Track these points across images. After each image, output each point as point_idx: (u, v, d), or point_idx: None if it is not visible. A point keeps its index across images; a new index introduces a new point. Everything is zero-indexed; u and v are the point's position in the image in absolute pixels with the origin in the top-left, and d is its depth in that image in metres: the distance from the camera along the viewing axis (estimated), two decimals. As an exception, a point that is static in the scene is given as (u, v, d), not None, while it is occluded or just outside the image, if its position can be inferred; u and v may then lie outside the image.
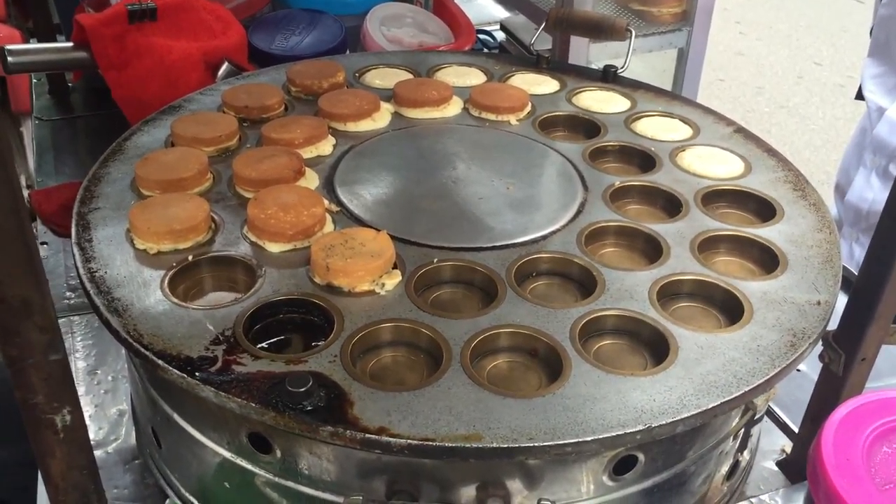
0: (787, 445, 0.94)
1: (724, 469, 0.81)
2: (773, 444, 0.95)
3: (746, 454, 0.85)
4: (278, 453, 0.70)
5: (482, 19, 1.90)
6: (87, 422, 0.92)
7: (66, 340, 1.07)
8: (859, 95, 1.66)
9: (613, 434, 0.64)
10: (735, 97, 4.51)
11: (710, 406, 0.67)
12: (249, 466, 0.73)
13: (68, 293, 1.17)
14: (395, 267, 0.80)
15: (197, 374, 0.67)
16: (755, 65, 4.85)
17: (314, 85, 1.09)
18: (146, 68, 1.21)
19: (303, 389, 0.64)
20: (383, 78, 1.16)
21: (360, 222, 0.87)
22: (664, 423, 0.65)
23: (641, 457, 0.70)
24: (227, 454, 0.74)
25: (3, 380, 1.18)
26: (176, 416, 0.77)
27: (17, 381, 0.51)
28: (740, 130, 1.08)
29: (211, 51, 1.23)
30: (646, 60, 1.44)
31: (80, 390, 1.00)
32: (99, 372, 1.04)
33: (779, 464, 0.93)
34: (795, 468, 0.91)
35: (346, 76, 1.14)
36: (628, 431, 0.64)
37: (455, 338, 0.72)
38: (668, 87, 1.46)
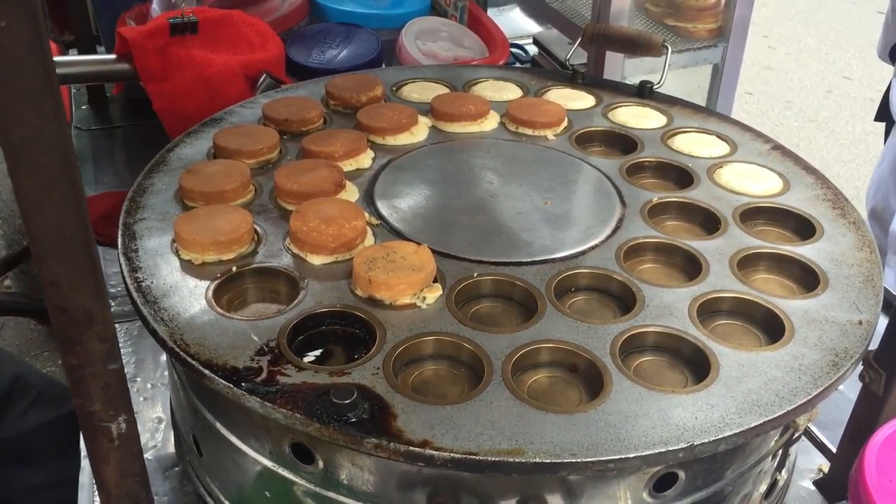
0: (825, 464, 0.93)
1: (763, 488, 0.81)
2: (810, 462, 0.94)
3: (784, 473, 0.85)
4: (320, 464, 0.71)
5: (514, 33, 1.91)
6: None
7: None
8: (880, 117, 1.64)
9: (656, 451, 0.64)
10: (763, 111, 4.49)
11: (753, 425, 0.67)
12: (291, 476, 0.73)
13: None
14: (435, 280, 0.80)
15: (243, 384, 0.68)
16: (784, 79, 4.83)
17: (353, 98, 1.11)
18: (187, 81, 1.23)
19: (347, 401, 0.65)
20: (420, 92, 1.17)
21: (399, 235, 0.88)
22: (706, 441, 0.65)
23: (682, 474, 0.70)
24: (269, 463, 0.74)
25: (44, 401, 1.21)
26: (218, 425, 0.78)
27: (76, 389, 0.52)
28: (778, 148, 1.07)
29: (250, 64, 1.25)
30: (679, 76, 1.44)
31: (120, 397, 1.02)
32: (139, 380, 1.06)
33: (816, 483, 0.92)
34: (833, 488, 0.90)
35: (384, 90, 1.16)
36: (670, 449, 0.65)
37: (496, 352, 0.73)
38: (701, 103, 1.46)
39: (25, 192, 0.45)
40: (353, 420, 0.65)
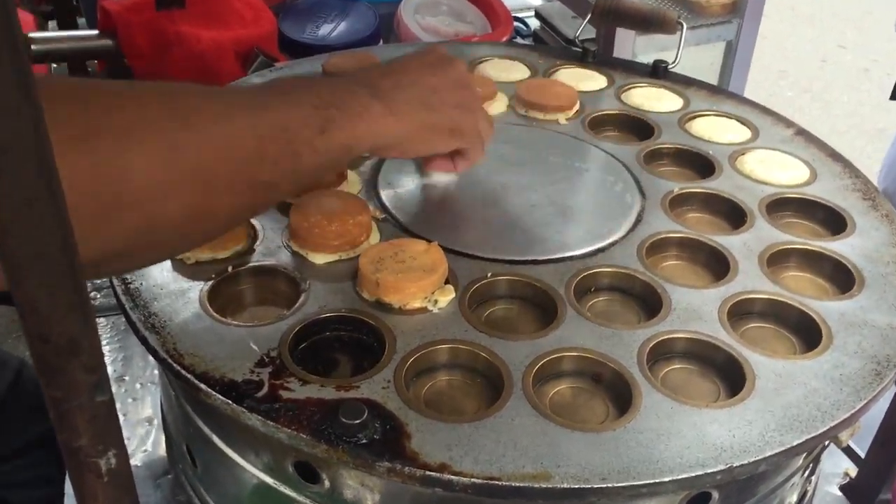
0: (851, 469, 0.89)
1: (794, 499, 0.77)
2: (835, 466, 0.90)
3: (813, 479, 0.81)
4: (327, 483, 0.66)
5: (515, 6, 1.83)
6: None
7: (93, 344, 1.03)
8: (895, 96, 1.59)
9: (692, 475, 0.59)
10: (757, 81, 4.42)
11: (795, 444, 0.62)
12: (294, 495, 0.68)
13: (93, 293, 1.13)
14: (447, 282, 0.75)
15: (243, 400, 0.63)
16: (778, 48, 4.77)
17: (352, 79, 1.04)
18: (174, 58, 1.16)
19: (357, 421, 0.60)
20: (423, 72, 1.11)
21: (406, 231, 0.82)
22: (746, 462, 0.61)
23: (716, 494, 0.65)
24: (270, 481, 0.69)
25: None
26: (215, 438, 0.73)
27: (60, 424, 0.46)
28: (801, 133, 1.02)
29: (242, 40, 1.18)
30: (690, 53, 1.38)
31: (108, 397, 0.96)
32: (126, 378, 1.00)
33: (842, 488, 0.88)
34: (860, 493, 0.86)
35: (385, 69, 1.09)
36: (708, 472, 0.60)
37: (515, 362, 0.68)
38: (713, 81, 1.40)
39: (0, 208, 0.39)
40: (364, 441, 0.60)
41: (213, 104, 0.57)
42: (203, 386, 0.64)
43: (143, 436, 0.93)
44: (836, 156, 0.97)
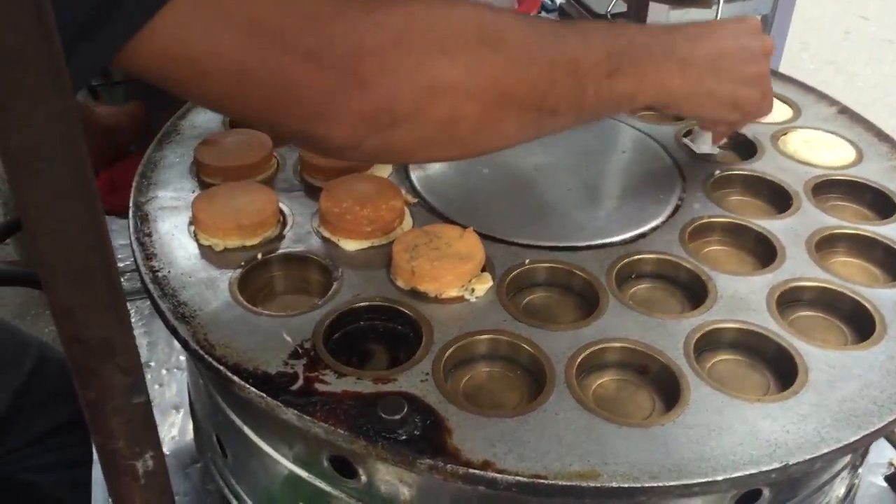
0: (896, 459, 0.87)
1: (842, 492, 0.74)
2: (880, 456, 0.88)
3: (860, 471, 0.78)
4: (363, 478, 0.64)
5: (539, -21, 1.79)
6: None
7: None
8: None
9: (746, 473, 0.57)
10: (778, 53, 4.35)
11: (852, 440, 0.60)
12: (329, 489, 0.66)
13: (116, 276, 1.11)
14: (483, 269, 0.72)
15: (278, 394, 0.61)
16: (800, 19, 4.66)
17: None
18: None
19: (397, 417, 0.58)
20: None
21: (439, 216, 0.80)
22: (802, 460, 0.58)
23: (767, 492, 0.63)
24: (305, 474, 0.67)
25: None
26: (246, 430, 0.71)
27: (96, 425, 0.44)
28: (845, 111, 0.98)
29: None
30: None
31: (134, 384, 0.94)
32: (152, 364, 0.99)
33: (887, 478, 0.86)
34: (906, 484, 0.84)
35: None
36: (762, 470, 0.57)
37: (557, 353, 0.65)
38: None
39: (30, 207, 0.37)
40: (404, 437, 0.58)
41: (514, 28, 0.63)
42: (236, 378, 0.62)
43: (171, 423, 0.91)
44: (882, 136, 0.94)
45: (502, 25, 0.63)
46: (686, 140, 0.92)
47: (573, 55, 0.65)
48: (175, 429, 0.91)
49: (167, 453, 0.87)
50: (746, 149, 0.92)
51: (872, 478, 0.86)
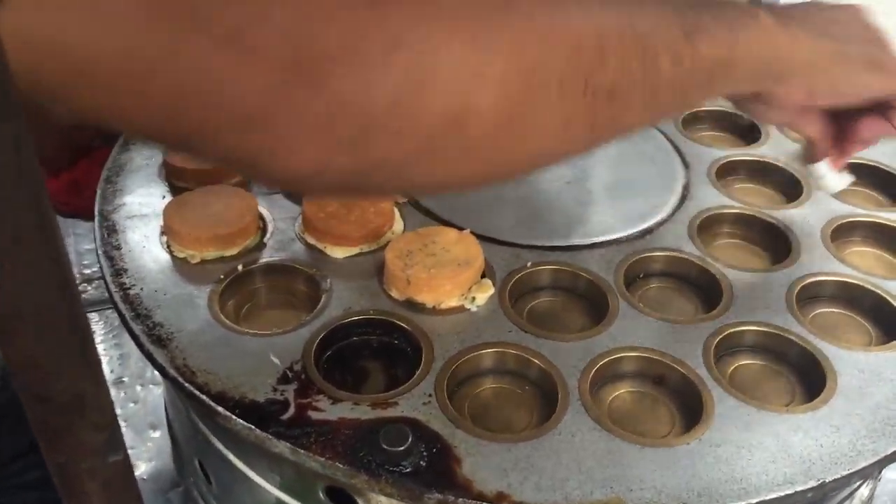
0: (913, 453, 0.83)
1: (866, 494, 0.71)
2: None
3: (884, 472, 0.75)
4: (364, 510, 0.59)
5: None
6: (118, 441, 0.81)
7: (86, 342, 0.95)
8: None
9: (781, 494, 0.53)
10: None
11: (891, 451, 0.56)
12: (326, 521, 0.61)
13: (83, 284, 1.04)
14: (483, 275, 0.67)
15: (268, 425, 0.55)
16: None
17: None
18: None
19: (401, 448, 0.53)
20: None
21: (431, 216, 0.74)
22: (839, 476, 0.54)
23: None
24: (298, 505, 0.62)
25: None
26: (232, 458, 0.65)
27: (68, 491, 0.39)
28: (848, 89, 0.94)
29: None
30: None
31: (107, 401, 0.88)
32: (125, 379, 0.93)
33: (904, 474, 0.82)
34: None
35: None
36: (798, 490, 0.53)
37: (568, 366, 0.60)
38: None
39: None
40: (409, 469, 0.53)
41: None
42: (221, 409, 0.56)
43: (148, 443, 0.86)
44: (889, 114, 0.89)
45: None
46: (810, 174, 0.71)
47: (628, 13, 0.46)
48: (154, 448, 0.85)
49: (145, 478, 0.82)
50: (749, 132, 0.87)
51: (889, 473, 0.82)
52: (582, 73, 0.43)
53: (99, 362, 0.38)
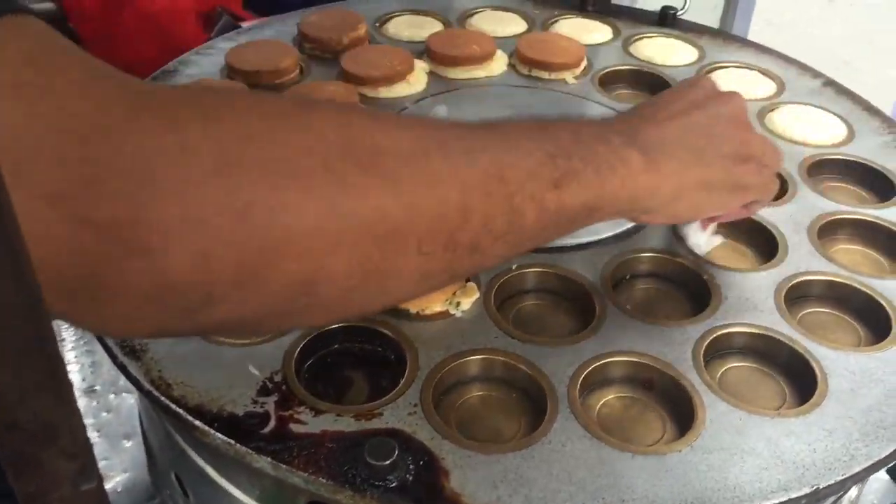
0: (898, 449, 0.83)
1: (855, 494, 0.70)
2: (881, 447, 0.84)
3: (869, 472, 0.74)
4: (348, 524, 0.57)
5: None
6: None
7: (57, 349, 0.92)
8: None
9: (776, 502, 0.52)
10: (745, 26, 4.34)
11: (884, 455, 0.55)
12: (309, 535, 0.60)
13: (53, 290, 1.01)
14: (468, 279, 0.66)
15: (248, 439, 0.53)
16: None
17: (333, 40, 0.92)
18: (126, 21, 1.03)
19: (387, 462, 0.51)
20: (410, 28, 0.99)
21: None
22: (833, 482, 0.53)
23: (790, 511, 0.58)
24: (281, 520, 0.60)
25: None
26: (210, 471, 0.63)
27: (37, 524, 0.36)
28: (830, 83, 0.93)
29: (202, -2, 1.05)
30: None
31: (79, 410, 0.85)
32: (98, 388, 0.90)
33: (889, 471, 0.82)
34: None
35: (368, 27, 0.97)
36: (792, 497, 0.52)
37: (556, 372, 0.59)
38: (714, 26, 1.31)
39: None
40: (395, 484, 0.51)
41: (401, 139, 0.43)
42: (199, 423, 0.54)
43: (123, 454, 0.83)
44: (872, 109, 0.89)
45: (382, 136, 0.42)
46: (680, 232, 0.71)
47: (496, 169, 0.45)
48: (129, 458, 0.83)
49: (119, 490, 0.79)
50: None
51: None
52: (444, 234, 0.43)
53: (70, 386, 0.36)
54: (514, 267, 0.67)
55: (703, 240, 0.69)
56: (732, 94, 0.61)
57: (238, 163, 0.36)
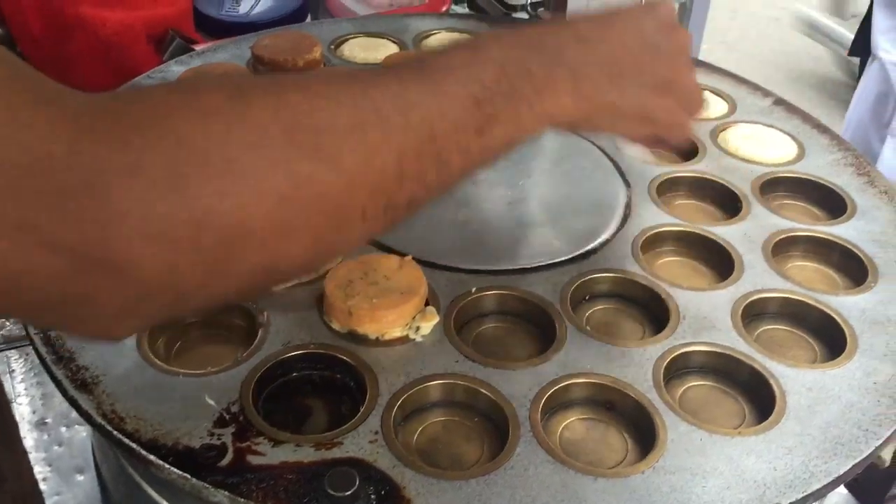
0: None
1: (815, 511, 0.71)
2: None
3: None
4: (310, 557, 0.56)
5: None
6: (42, 487, 0.76)
7: (5, 382, 0.90)
8: (854, 52, 1.55)
9: (738, 521, 0.52)
10: (696, 42, 4.40)
11: (842, 472, 0.55)
12: (270, 569, 0.58)
13: (0, 321, 0.98)
14: (427, 303, 0.65)
15: (204, 473, 0.52)
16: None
17: (288, 63, 0.92)
18: (77, 45, 1.01)
19: (348, 493, 0.50)
20: (365, 50, 0.99)
21: (371, 242, 0.72)
22: (794, 500, 0.53)
23: (754, 531, 0.58)
24: (240, 554, 0.59)
25: None
26: (166, 504, 0.62)
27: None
28: (780, 102, 0.95)
29: (153, 21, 1.04)
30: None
31: (29, 444, 0.83)
32: (48, 420, 0.87)
33: (849, 486, 0.83)
34: (869, 490, 0.81)
35: (323, 50, 0.97)
36: (754, 516, 0.52)
37: (518, 395, 0.59)
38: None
39: None
40: (357, 514, 0.50)
41: (339, 115, 0.44)
42: (153, 458, 0.53)
43: (76, 488, 0.81)
44: (821, 127, 0.91)
45: (320, 114, 0.43)
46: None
47: (426, 127, 0.47)
48: (80, 495, 0.80)
49: (73, 525, 0.77)
50: (688, 148, 0.87)
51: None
52: (383, 198, 0.46)
53: (16, 426, 0.35)
54: (473, 290, 0.67)
55: (633, 151, 0.80)
56: (678, 29, 0.62)
57: (186, 173, 0.38)
